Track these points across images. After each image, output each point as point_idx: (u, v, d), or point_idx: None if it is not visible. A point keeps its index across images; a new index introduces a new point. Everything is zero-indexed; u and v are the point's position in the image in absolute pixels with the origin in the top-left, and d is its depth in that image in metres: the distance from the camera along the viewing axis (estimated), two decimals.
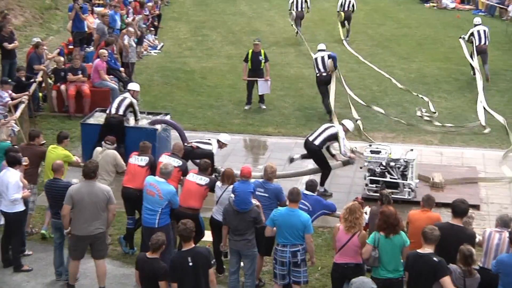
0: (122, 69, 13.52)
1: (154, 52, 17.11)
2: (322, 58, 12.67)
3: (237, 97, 13.67)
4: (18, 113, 10.65)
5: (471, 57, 15.03)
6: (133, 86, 10.79)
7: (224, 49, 17.71)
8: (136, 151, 8.23)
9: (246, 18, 20.80)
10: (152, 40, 17.78)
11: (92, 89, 12.54)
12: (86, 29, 15.23)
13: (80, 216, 6.92)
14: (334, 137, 9.38)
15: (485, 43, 15.02)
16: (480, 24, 15.32)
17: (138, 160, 8.06)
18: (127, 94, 10.55)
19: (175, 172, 7.78)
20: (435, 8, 22.94)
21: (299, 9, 18.28)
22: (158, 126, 10.19)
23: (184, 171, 8.07)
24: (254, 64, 12.90)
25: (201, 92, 14.13)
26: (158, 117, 10.52)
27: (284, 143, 11.53)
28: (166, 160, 8.05)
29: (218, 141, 9.46)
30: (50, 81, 12.84)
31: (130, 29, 14.81)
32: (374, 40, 18.74)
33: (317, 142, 9.37)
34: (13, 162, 7.61)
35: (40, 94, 12.88)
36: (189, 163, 8.96)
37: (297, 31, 18.44)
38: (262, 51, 13.03)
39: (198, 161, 8.51)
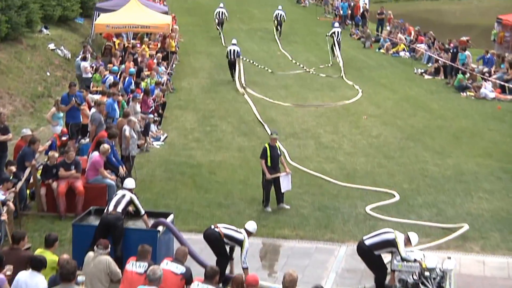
0: (122, 169, 13.56)
1: (157, 144, 17.67)
2: None
3: (249, 195, 13.95)
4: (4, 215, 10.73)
5: None
6: (128, 183, 10.81)
7: (235, 140, 18.30)
8: (134, 255, 8.35)
9: (260, 107, 21.58)
10: (155, 131, 18.40)
11: (86, 185, 12.72)
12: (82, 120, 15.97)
13: None
14: (391, 244, 9.40)
15: None
16: None
17: (136, 266, 8.16)
18: (126, 191, 10.60)
19: (177, 280, 7.86)
20: (472, 98, 23.44)
21: None
22: (160, 228, 10.18)
23: (188, 279, 8.14)
24: (274, 160, 13.24)
25: (209, 189, 14.44)
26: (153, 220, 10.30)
27: (303, 247, 11.59)
28: (168, 266, 8.14)
29: (246, 230, 9.73)
30: (38, 176, 12.95)
31: (132, 118, 15.45)
32: (404, 132, 19.26)
33: (368, 242, 9.55)
34: None
35: (28, 191, 12.99)
36: None
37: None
38: (277, 145, 13.50)
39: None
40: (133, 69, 21.12)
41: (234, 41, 25.64)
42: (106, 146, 13.16)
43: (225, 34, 32.27)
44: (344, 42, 33.34)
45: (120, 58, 23.10)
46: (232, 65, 24.72)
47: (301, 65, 27.65)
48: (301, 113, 20.99)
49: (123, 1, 27.19)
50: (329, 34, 29.12)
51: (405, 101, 22.97)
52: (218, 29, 32.72)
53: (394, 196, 13.92)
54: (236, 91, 23.49)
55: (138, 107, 17.26)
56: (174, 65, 26.22)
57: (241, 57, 25.01)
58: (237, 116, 20.73)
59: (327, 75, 26.23)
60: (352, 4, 38.40)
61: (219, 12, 32.87)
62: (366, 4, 36.91)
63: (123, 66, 21.88)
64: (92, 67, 21.61)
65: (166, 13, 28.51)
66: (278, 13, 33.93)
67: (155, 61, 23.37)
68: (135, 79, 20.54)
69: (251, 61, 26.63)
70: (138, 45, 25.56)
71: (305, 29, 36.68)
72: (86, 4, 31.73)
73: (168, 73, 23.60)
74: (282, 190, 13.29)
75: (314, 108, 21.38)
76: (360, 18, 36.59)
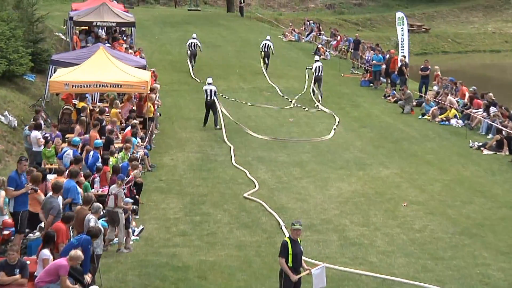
0: (88, 276, 13.74)
1: (130, 239, 17.82)
2: None
3: None
4: None
5: None
6: None
7: (234, 234, 18.51)
8: None
9: (266, 190, 21.85)
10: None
11: None
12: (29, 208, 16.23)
13: None
14: None
15: None
16: None
17: None
18: None
19: None
20: None
21: None
22: None
23: None
24: (297, 258, 13.40)
25: None
26: None
27: None
28: None
29: None
30: None
31: (96, 205, 15.70)
32: (458, 225, 19.46)
33: None
34: None
35: None
36: None
37: None
38: (299, 239, 13.71)
39: None
40: (99, 141, 21.59)
41: (209, 80, 29.31)
42: (78, 252, 13.33)
43: (201, 92, 33.11)
44: (378, 105, 34.11)
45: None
46: (209, 107, 28.60)
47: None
48: (320, 198, 21.28)
49: (87, 52, 28.00)
50: (311, 68, 34.63)
51: (458, 183, 23.26)
52: (189, 63, 39.54)
53: None
54: (234, 168, 23.88)
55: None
56: (153, 135, 26.73)
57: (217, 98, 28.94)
58: (236, 201, 21.02)
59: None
60: (387, 56, 39.06)
61: (192, 43, 39.65)
62: (405, 56, 37.36)
63: (86, 136, 22.35)
64: (46, 138, 22.05)
65: (143, 67, 29.18)
66: (266, 44, 40.47)
67: (128, 128, 23.82)
68: (103, 153, 20.94)
69: (226, 96, 31.42)
70: (107, 109, 26.09)
71: (325, 89, 37.43)
72: (39, 56, 32.61)
73: (145, 146, 24.05)
74: None
75: (337, 193, 21.64)
76: (397, 74, 37.17)
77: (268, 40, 40.87)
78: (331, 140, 27.86)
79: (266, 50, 40.42)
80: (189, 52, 39.93)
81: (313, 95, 34.34)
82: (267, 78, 38.24)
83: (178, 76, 39.21)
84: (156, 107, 27.83)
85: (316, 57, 36.53)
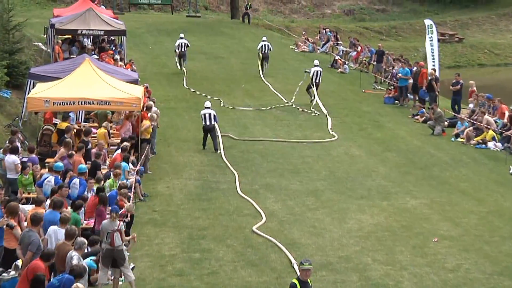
0: None
1: (120, 280, 17.79)
2: None
3: None
4: None
5: None
6: None
7: (239, 274, 18.49)
8: None
9: (276, 222, 21.87)
10: None
11: None
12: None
13: None
14: None
15: None
16: None
17: None
18: None
19: None
20: None
21: None
22: None
23: None
24: None
25: None
26: None
27: None
28: None
29: None
30: None
31: (80, 240, 15.73)
32: (497, 264, 19.43)
33: None
34: None
35: None
36: None
37: None
38: (310, 280, 13.75)
39: None
40: (84, 166, 21.67)
41: (207, 103, 30.22)
42: None
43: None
44: (404, 125, 34.17)
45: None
46: (207, 132, 29.34)
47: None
48: (337, 232, 21.29)
49: (71, 64, 28.07)
50: (309, 72, 37.38)
51: (496, 216, 23.26)
52: (178, 65, 43.39)
53: None
54: (239, 197, 23.95)
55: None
56: (148, 160, 26.75)
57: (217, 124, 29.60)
58: (241, 235, 21.05)
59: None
60: (414, 69, 39.03)
61: (181, 44, 42.90)
62: (435, 70, 37.40)
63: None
64: (24, 163, 22.14)
65: (135, 82, 29.26)
66: (264, 45, 43.46)
67: (118, 152, 23.89)
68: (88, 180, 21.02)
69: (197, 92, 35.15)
70: (94, 130, 26.15)
71: (343, 106, 37.53)
72: (16, 69, 32.72)
73: (137, 172, 24.10)
74: None
75: (357, 226, 21.65)
76: (426, 91, 37.19)
77: (265, 41, 43.72)
78: (350, 166, 27.88)
79: (265, 51, 43.33)
80: (177, 51, 43.23)
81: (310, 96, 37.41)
82: (268, 85, 40.84)
83: (175, 91, 39.42)
84: (153, 126, 27.77)
85: (316, 62, 38.47)
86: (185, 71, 42.59)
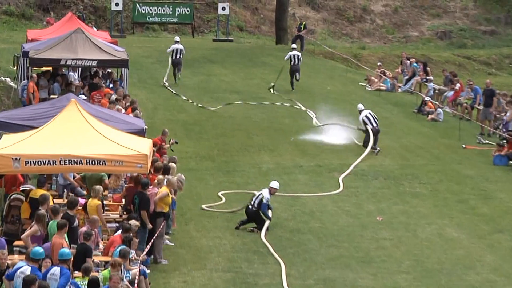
0: None
1: None
2: None
3: None
4: None
5: None
6: None
7: None
8: None
9: None
10: None
11: None
12: None
13: None
14: None
15: None
16: None
17: None
18: None
19: None
20: None
21: None
22: None
23: None
24: None
25: None
26: None
27: None
28: None
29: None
30: None
31: None
32: None
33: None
34: None
35: None
36: None
37: None
38: None
39: None
40: (68, 250, 21.81)
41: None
42: None
43: (234, 174, 33.75)
44: None
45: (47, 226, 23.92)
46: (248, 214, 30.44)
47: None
48: None
49: (51, 108, 28.31)
50: (286, 59, 45.15)
51: None
52: (173, 77, 51.33)
53: None
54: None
55: None
56: (162, 243, 26.70)
57: None
58: None
59: None
60: None
61: (176, 50, 50.50)
62: None
63: (48, 244, 22.63)
64: None
65: (141, 133, 29.35)
66: (294, 56, 49.83)
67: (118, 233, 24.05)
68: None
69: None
70: (82, 201, 26.31)
71: (436, 168, 37.50)
72: None
73: (142, 261, 24.09)
74: None
75: None
76: None
77: (295, 49, 49.29)
78: (445, 253, 27.77)
79: (295, 63, 48.62)
80: (170, 60, 49.80)
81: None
82: (300, 106, 44.42)
83: (195, 146, 39.70)
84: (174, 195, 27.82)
85: (293, 45, 45.41)
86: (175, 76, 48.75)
